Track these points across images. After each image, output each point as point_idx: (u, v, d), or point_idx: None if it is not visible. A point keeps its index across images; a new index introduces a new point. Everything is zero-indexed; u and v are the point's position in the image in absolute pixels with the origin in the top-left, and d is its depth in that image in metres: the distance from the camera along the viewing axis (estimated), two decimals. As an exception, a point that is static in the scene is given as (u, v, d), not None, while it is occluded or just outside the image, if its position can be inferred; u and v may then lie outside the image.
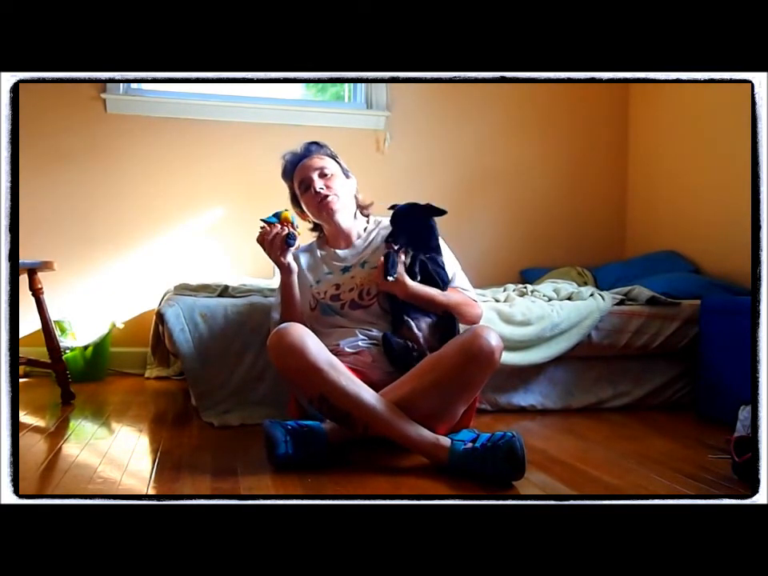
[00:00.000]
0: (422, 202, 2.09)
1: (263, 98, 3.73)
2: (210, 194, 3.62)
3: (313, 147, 2.27)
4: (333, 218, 2.21)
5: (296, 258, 2.21)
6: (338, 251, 2.27)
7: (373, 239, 2.26)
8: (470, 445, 1.76)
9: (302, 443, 1.79)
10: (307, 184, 2.19)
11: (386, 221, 2.24)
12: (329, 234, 2.30)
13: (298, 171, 2.23)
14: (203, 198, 3.61)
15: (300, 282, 2.18)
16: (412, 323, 2.01)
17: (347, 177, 2.27)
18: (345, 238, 2.27)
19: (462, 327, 2.08)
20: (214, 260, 3.61)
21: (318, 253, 2.30)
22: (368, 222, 2.33)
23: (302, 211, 2.27)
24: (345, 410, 1.81)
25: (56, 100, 3.42)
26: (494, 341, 1.84)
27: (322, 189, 2.17)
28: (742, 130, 2.52)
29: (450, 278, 2.14)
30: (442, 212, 2.07)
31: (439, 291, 2.06)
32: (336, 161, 2.27)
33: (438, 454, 1.78)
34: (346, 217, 2.23)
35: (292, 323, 1.91)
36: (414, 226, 2.06)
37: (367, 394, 1.82)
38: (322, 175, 2.20)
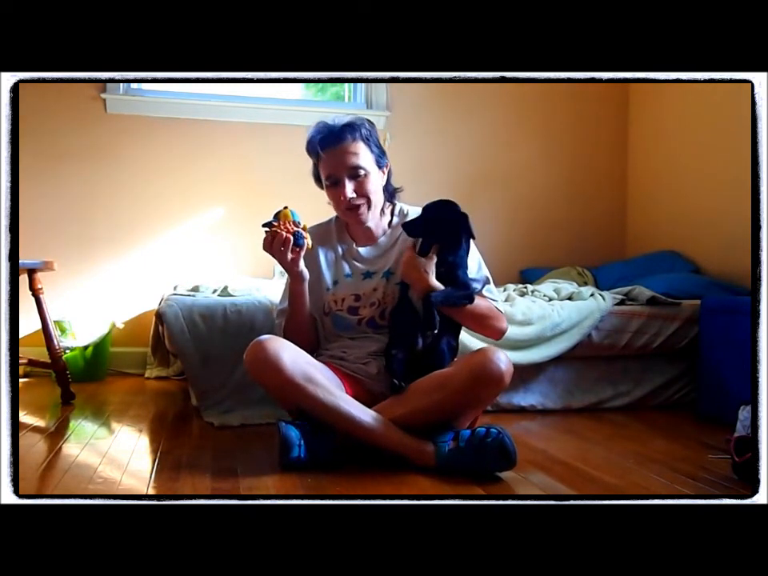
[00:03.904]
0: (460, 208, 1.96)
1: (263, 98, 3.73)
2: (210, 194, 3.62)
3: (348, 133, 1.98)
4: (360, 225, 2.08)
5: (315, 257, 2.08)
6: (360, 249, 2.11)
7: (398, 238, 2.08)
8: (453, 444, 1.77)
9: (313, 445, 1.79)
10: (336, 180, 2.00)
11: (411, 211, 2.12)
12: (351, 227, 2.14)
13: (327, 158, 1.99)
14: (203, 197, 3.61)
15: (315, 281, 2.05)
16: (420, 341, 1.93)
17: (380, 167, 2.05)
18: (369, 236, 2.11)
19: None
20: (214, 260, 3.60)
21: (339, 247, 2.13)
22: (393, 214, 2.15)
23: (322, 187, 2.09)
24: (323, 421, 1.80)
25: (56, 100, 3.42)
26: (503, 365, 1.80)
27: (353, 197, 1.99)
28: (742, 130, 2.52)
29: (478, 287, 2.00)
30: (471, 234, 1.95)
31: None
32: (369, 145, 2.02)
33: (423, 458, 1.79)
34: (374, 217, 2.08)
35: (269, 336, 1.86)
36: (443, 227, 1.93)
37: (345, 405, 1.80)
38: (355, 176, 1.99)
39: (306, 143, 2.05)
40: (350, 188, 1.99)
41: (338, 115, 2.07)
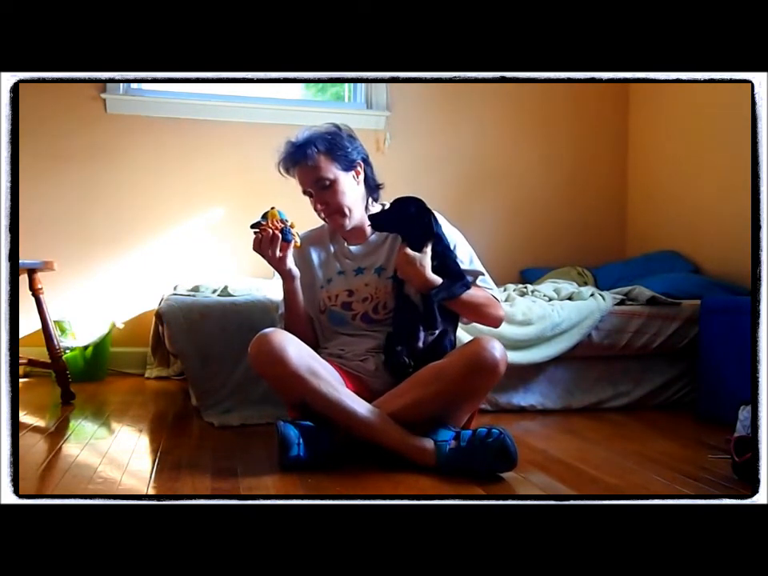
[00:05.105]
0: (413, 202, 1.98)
1: (263, 97, 3.73)
2: (210, 194, 3.62)
3: (304, 151, 2.02)
4: (341, 230, 2.13)
5: (307, 255, 2.15)
6: (351, 247, 2.16)
7: (388, 235, 2.11)
8: (454, 443, 1.78)
9: (312, 444, 1.79)
10: (309, 194, 2.09)
11: None
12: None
13: (296, 175, 2.08)
14: (203, 197, 3.61)
15: (309, 280, 2.11)
16: (421, 335, 1.94)
17: (350, 169, 2.07)
18: (358, 234, 2.15)
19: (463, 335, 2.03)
20: (214, 260, 3.60)
21: (331, 247, 2.18)
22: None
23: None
24: (326, 415, 1.82)
25: (56, 100, 3.42)
26: (498, 353, 1.82)
27: (325, 207, 2.06)
28: (741, 130, 2.53)
29: (470, 279, 2.01)
30: (432, 232, 1.94)
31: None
32: (330, 153, 2.03)
33: (424, 457, 1.79)
34: (356, 217, 2.10)
35: (273, 330, 1.88)
36: (408, 221, 1.94)
37: (348, 400, 1.82)
38: (323, 187, 2.04)
39: (280, 164, 2.10)
40: (319, 199, 2.06)
41: (302, 129, 2.09)
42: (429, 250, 1.92)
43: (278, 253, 1.95)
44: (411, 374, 1.90)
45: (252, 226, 1.96)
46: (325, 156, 2.04)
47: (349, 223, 2.09)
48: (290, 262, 1.99)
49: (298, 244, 1.99)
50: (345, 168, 2.06)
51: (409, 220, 1.95)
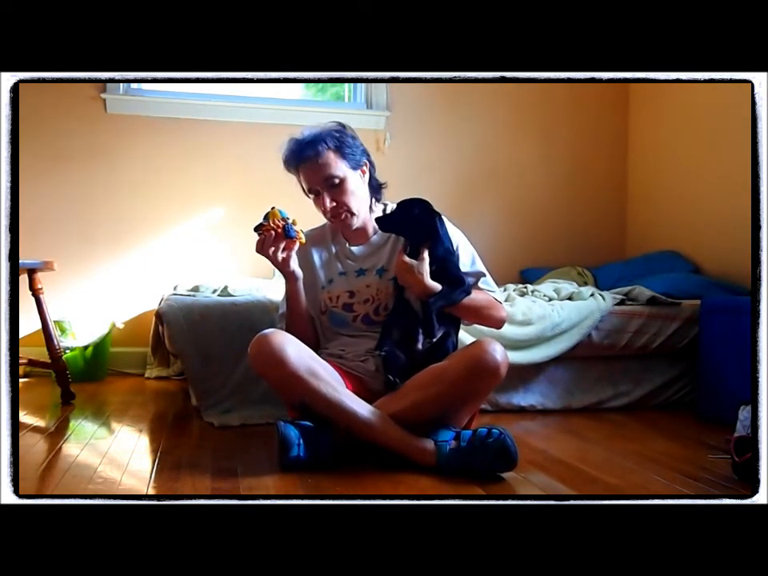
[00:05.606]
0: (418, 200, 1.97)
1: (263, 97, 3.74)
2: (210, 194, 3.62)
3: (314, 147, 1.99)
4: (347, 230, 2.11)
5: (310, 258, 2.14)
6: (352, 248, 2.14)
7: (390, 236, 2.10)
8: (454, 444, 1.78)
9: (312, 444, 1.79)
10: (315, 192, 2.04)
11: None
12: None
13: (302, 173, 2.04)
14: (203, 197, 3.61)
15: (310, 281, 2.10)
16: (420, 338, 1.94)
17: (357, 168, 2.05)
18: (360, 235, 2.14)
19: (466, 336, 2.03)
20: (214, 260, 3.61)
21: (332, 247, 2.17)
22: (384, 213, 2.13)
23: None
24: (326, 416, 1.82)
25: (56, 100, 3.42)
26: (499, 356, 1.82)
27: (333, 206, 2.02)
28: (742, 130, 2.53)
29: (471, 281, 2.02)
30: (438, 234, 1.94)
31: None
32: (339, 151, 2.02)
33: (424, 457, 1.79)
34: (361, 218, 2.08)
35: (273, 330, 1.88)
36: (414, 223, 1.94)
37: (348, 401, 1.82)
38: (332, 185, 2.01)
39: (282, 162, 2.08)
40: (328, 197, 2.02)
41: (307, 127, 2.07)
42: (426, 255, 1.90)
43: (280, 254, 1.95)
44: (399, 387, 1.89)
45: (255, 229, 1.94)
46: (334, 153, 2.02)
47: (356, 222, 2.08)
48: (294, 263, 1.99)
49: (303, 240, 1.98)
50: (353, 167, 2.05)
51: (412, 222, 1.94)
